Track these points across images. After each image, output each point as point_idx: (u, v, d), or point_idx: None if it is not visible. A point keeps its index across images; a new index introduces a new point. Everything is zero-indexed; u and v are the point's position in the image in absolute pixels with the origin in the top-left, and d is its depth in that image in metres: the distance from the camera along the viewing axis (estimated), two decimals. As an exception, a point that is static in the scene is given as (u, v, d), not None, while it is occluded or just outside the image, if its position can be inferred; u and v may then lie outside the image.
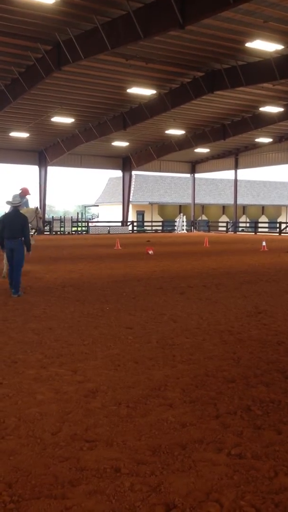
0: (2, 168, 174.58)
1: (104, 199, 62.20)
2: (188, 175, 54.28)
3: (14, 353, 6.56)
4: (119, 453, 3.89)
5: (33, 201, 75.40)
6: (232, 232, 48.16)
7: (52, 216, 49.64)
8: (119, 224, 47.78)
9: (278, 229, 46.11)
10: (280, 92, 27.64)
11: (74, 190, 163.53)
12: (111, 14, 17.54)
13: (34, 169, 44.22)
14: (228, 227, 49.46)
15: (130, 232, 46.87)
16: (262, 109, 30.91)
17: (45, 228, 39.56)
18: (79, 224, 47.49)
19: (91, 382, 5.47)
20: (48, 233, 41.58)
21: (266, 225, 54.68)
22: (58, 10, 17.04)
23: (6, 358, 6.34)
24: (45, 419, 4.50)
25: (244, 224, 56.19)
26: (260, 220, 60.90)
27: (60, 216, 49.28)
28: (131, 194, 51.54)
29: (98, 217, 65.58)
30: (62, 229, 43.13)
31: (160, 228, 51.91)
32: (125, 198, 48.42)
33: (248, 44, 19.44)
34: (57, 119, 31.76)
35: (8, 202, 11.87)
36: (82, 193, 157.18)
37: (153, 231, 50.43)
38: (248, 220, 60.47)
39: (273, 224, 54.39)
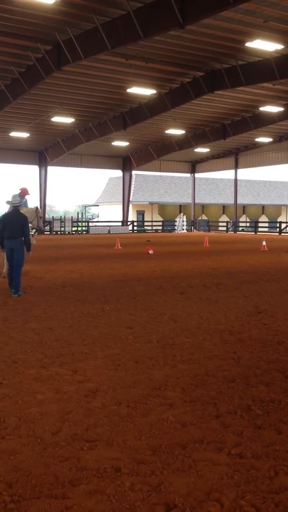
0: (2, 168, 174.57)
1: (104, 199, 62.20)
2: (188, 175, 54.28)
3: (15, 353, 6.57)
4: (120, 452, 3.89)
5: (33, 201, 75.20)
6: (232, 232, 48.15)
7: (52, 216, 49.64)
8: (119, 224, 47.77)
9: (278, 229, 46.10)
10: (280, 91, 27.64)
11: (74, 190, 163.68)
12: (111, 14, 17.54)
13: (34, 169, 44.28)
14: (228, 226, 49.46)
15: (130, 232, 46.87)
16: (262, 108, 30.90)
17: (46, 228, 39.56)
18: (79, 224, 47.48)
19: (91, 382, 5.47)
20: (48, 233, 41.57)
21: (266, 224, 54.65)
22: (58, 10, 17.04)
23: (7, 358, 6.34)
24: (45, 419, 4.50)
25: (244, 224, 56.17)
26: (260, 219, 60.88)
27: (60, 216, 49.27)
28: (131, 194, 51.54)
29: (98, 217, 65.59)
30: (62, 229, 43.12)
31: (160, 228, 51.91)
32: (125, 198, 48.42)
33: (248, 44, 19.44)
34: (57, 119, 31.76)
35: (8, 202, 11.88)
36: (82, 193, 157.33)
37: (153, 231, 50.43)
38: (248, 220, 60.46)
39: (273, 223, 54.37)
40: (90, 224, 49.50)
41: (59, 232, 42.83)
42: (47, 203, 45.58)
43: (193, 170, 51.85)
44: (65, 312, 9.31)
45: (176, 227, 49.37)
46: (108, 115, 33.00)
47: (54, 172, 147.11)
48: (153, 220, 54.51)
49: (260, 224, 52.82)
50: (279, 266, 17.31)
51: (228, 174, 54.56)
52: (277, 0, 16.17)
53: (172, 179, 60.79)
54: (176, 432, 4.24)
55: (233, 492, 3.34)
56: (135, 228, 49.42)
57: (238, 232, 48.48)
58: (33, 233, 15.59)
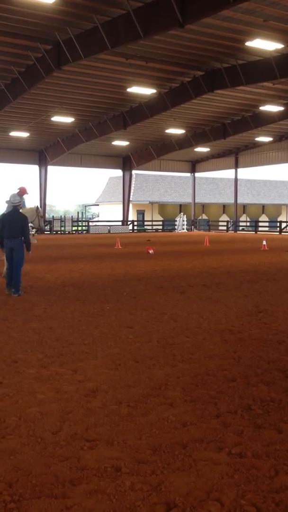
0: (2, 167, 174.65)
1: (105, 198, 62.20)
2: (188, 174, 54.27)
3: (15, 352, 6.56)
4: (120, 452, 3.89)
5: (32, 201, 75.15)
6: (233, 231, 48.15)
7: (53, 216, 49.62)
8: (120, 223, 47.77)
9: (278, 228, 46.10)
10: (280, 91, 27.63)
11: (75, 190, 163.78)
12: (111, 13, 17.54)
13: (34, 169, 44.28)
14: (229, 226, 49.46)
15: (131, 231, 46.87)
16: (262, 108, 30.90)
17: (46, 227, 39.56)
18: (80, 223, 47.48)
19: (91, 381, 5.47)
20: (49, 232, 41.58)
21: (267, 224, 54.65)
22: (58, 10, 17.04)
23: (7, 357, 6.34)
24: (45, 418, 4.50)
25: (244, 223, 56.17)
26: (260, 219, 60.88)
27: (61, 216, 49.25)
28: (131, 194, 51.53)
29: (98, 216, 65.59)
30: (62, 228, 43.12)
31: (160, 227, 51.91)
32: (125, 197, 48.42)
33: (248, 43, 19.44)
34: (57, 118, 31.76)
35: (7, 202, 11.86)
36: (82, 193, 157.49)
37: (154, 231, 50.43)
38: (248, 219, 60.47)
39: (273, 223, 54.36)
40: (90, 223, 49.51)
41: (59, 232, 42.83)
42: (47, 202, 45.58)
43: (193, 170, 51.85)
44: (66, 311, 9.31)
45: (176, 227, 49.37)
46: (108, 114, 33.00)
47: (54, 171, 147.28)
48: (153, 219, 54.51)
49: (260, 224, 52.82)
50: (280, 266, 17.31)
51: (228, 173, 54.63)
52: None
53: (172, 178, 60.78)
54: (177, 432, 4.24)
55: (234, 491, 3.34)
56: (135, 227, 49.42)
57: (238, 232, 48.49)
58: (33, 232, 15.57)
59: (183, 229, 48.04)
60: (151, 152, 43.60)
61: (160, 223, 53.33)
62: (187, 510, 3.16)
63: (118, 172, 50.90)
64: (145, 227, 52.79)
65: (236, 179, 48.72)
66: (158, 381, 5.48)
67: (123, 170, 48.16)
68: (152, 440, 4.08)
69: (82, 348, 6.80)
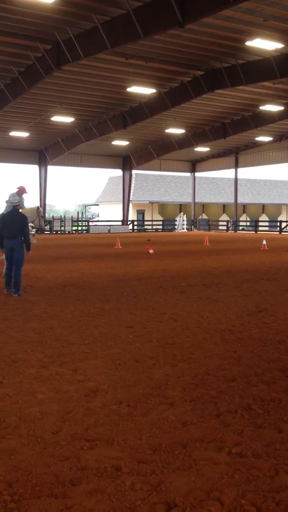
0: (2, 167, 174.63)
1: (104, 198, 62.20)
2: (188, 174, 54.27)
3: (15, 352, 6.56)
4: (120, 452, 3.88)
5: (32, 200, 75.25)
6: (233, 231, 48.15)
7: (53, 216, 49.65)
8: (120, 223, 47.78)
9: (278, 228, 46.10)
10: (280, 90, 27.63)
11: (74, 190, 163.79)
12: (110, 13, 17.54)
13: (34, 169, 44.30)
14: (229, 226, 49.46)
15: (131, 231, 46.87)
16: (262, 107, 30.90)
17: (46, 227, 39.57)
18: (80, 223, 47.50)
19: (91, 381, 5.46)
20: (49, 232, 41.58)
21: (267, 224, 54.67)
22: (57, 9, 17.03)
23: (7, 357, 6.34)
24: (45, 418, 4.50)
25: (244, 223, 56.17)
26: (260, 219, 60.90)
27: (61, 216, 49.27)
28: (131, 193, 51.54)
29: (98, 216, 65.59)
30: (62, 228, 43.13)
31: (160, 227, 51.90)
32: (125, 197, 48.42)
33: (248, 43, 19.44)
34: (57, 118, 31.76)
35: (7, 202, 11.85)
36: (82, 192, 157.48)
37: (154, 230, 50.43)
38: (248, 219, 60.46)
39: (273, 223, 54.38)
40: (90, 223, 49.52)
41: (59, 232, 42.84)
42: (47, 202, 45.58)
43: (193, 169, 51.85)
44: (66, 311, 9.31)
45: (176, 227, 49.38)
46: (108, 114, 33.00)
47: (54, 171, 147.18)
48: (153, 219, 54.53)
49: (260, 223, 52.83)
50: (280, 265, 17.31)
51: (228, 173, 54.62)
52: (277, -1, 16.19)
53: (172, 178, 60.79)
54: (177, 431, 4.24)
55: (234, 491, 3.34)
56: (135, 227, 49.42)
57: (238, 231, 48.49)
58: (33, 232, 15.57)
59: (183, 229, 48.05)
60: (151, 152, 43.60)
61: (160, 223, 53.33)
62: (187, 510, 3.16)
63: (118, 172, 50.90)
64: (145, 227, 52.79)
65: (236, 179, 48.72)
66: (158, 380, 5.48)
67: (123, 170, 48.17)
68: (152, 440, 4.08)
69: (82, 348, 6.80)
